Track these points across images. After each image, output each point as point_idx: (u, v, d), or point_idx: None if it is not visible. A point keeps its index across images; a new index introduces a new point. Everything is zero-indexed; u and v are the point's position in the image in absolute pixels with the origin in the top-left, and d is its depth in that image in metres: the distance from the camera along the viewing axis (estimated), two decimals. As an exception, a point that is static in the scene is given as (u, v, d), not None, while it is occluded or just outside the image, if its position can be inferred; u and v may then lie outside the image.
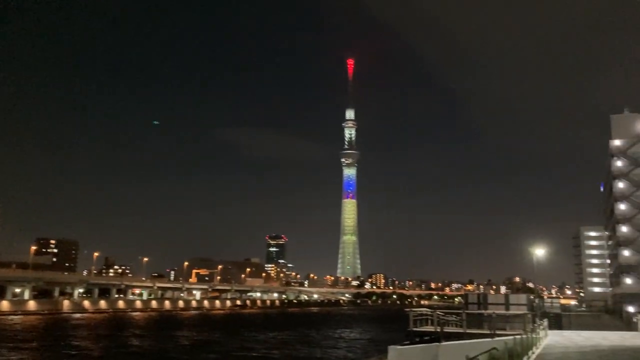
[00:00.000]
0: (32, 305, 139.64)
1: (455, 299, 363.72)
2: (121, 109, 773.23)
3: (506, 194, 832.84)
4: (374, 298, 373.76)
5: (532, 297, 60.28)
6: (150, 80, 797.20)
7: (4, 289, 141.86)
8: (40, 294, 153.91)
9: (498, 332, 36.03)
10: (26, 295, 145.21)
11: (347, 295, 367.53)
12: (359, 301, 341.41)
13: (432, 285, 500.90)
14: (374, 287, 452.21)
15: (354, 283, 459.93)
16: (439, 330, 37.64)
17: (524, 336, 24.16)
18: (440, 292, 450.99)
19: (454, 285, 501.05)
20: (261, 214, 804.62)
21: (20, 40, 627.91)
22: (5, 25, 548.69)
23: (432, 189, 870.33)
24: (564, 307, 77.52)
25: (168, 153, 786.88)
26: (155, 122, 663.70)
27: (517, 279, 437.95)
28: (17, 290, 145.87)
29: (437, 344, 34.63)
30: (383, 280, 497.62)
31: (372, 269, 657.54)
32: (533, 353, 25.56)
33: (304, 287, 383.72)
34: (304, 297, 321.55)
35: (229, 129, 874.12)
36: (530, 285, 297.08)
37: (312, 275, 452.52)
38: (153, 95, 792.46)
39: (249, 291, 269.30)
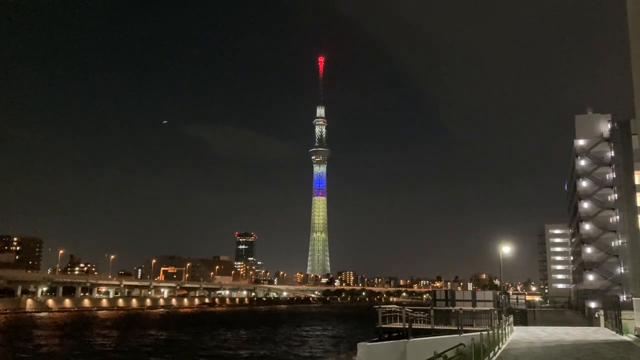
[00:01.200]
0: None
1: (424, 296, 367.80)
2: (86, 104, 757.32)
3: (474, 192, 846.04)
4: (343, 295, 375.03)
5: (498, 293, 61.22)
6: (117, 75, 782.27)
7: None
8: (2, 292, 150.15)
9: (465, 328, 36.37)
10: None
11: (316, 292, 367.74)
12: (328, 298, 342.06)
13: (401, 282, 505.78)
14: (344, 284, 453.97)
15: (324, 280, 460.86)
16: (407, 326, 37.79)
17: (490, 332, 24.39)
18: (408, 289, 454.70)
19: (422, 282, 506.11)
20: (231, 211, 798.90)
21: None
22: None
23: (401, 187, 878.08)
24: (529, 304, 79.05)
25: (136, 149, 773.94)
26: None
27: (484, 276, 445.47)
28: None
29: (406, 340, 34.83)
30: (352, 278, 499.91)
31: (342, 266, 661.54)
32: (499, 349, 25.85)
33: (274, 284, 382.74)
34: (274, 294, 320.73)
35: (198, 125, 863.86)
36: (497, 282, 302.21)
37: (281, 272, 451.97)
38: (120, 89, 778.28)
39: (217, 289, 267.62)
